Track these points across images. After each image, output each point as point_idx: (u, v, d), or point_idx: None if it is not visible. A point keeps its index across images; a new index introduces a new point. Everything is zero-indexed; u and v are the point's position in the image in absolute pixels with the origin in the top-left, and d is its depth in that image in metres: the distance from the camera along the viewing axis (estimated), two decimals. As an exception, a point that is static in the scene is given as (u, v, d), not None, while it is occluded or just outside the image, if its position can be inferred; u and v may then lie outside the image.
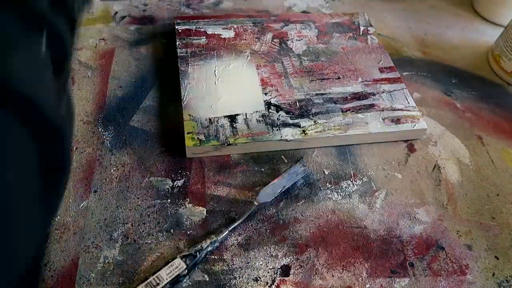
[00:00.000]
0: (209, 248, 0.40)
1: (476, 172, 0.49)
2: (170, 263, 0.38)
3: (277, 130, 0.48)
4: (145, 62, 0.56)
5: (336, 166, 0.48)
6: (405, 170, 0.48)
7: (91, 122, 0.49)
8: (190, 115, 0.48)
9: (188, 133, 0.46)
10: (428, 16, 0.71)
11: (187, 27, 0.58)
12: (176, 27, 0.58)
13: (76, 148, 0.47)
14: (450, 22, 0.71)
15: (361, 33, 0.61)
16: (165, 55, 0.57)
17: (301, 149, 0.49)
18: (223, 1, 0.67)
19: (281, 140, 0.47)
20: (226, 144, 0.46)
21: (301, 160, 0.46)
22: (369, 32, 0.62)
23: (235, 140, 0.46)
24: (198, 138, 0.46)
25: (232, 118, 0.48)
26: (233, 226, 0.41)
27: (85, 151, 0.47)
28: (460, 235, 0.44)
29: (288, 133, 0.48)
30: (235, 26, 0.59)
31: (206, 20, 0.60)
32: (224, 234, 0.40)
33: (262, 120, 0.48)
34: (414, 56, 0.63)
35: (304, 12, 0.67)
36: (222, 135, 0.47)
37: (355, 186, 0.46)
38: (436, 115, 0.55)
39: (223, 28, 0.59)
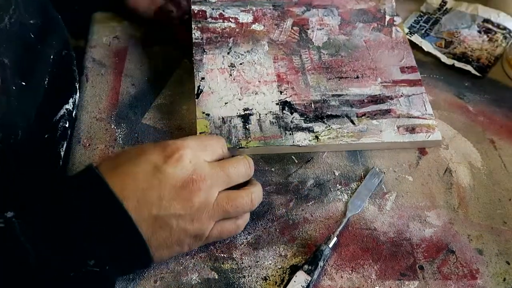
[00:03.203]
0: (327, 253, 0.40)
1: (488, 176, 0.49)
2: (294, 279, 0.38)
3: (290, 134, 0.47)
4: (158, 60, 0.57)
5: (347, 167, 0.48)
6: (416, 173, 0.48)
7: (104, 119, 0.50)
8: (203, 113, 0.48)
9: (200, 133, 0.46)
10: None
11: (203, 7, 0.56)
12: (192, 6, 0.56)
13: (89, 145, 0.47)
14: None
15: (386, 24, 0.58)
16: (177, 53, 0.58)
17: (312, 152, 0.49)
18: None
19: (293, 145, 0.47)
20: (238, 147, 0.46)
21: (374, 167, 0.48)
22: (395, 22, 0.59)
23: (247, 143, 0.46)
24: None
25: (246, 119, 0.48)
26: (336, 233, 0.42)
27: (97, 147, 0.47)
28: (471, 239, 0.43)
29: (300, 138, 0.47)
30: (254, 8, 0.57)
31: (224, 0, 0.57)
32: (333, 241, 0.41)
33: (275, 122, 0.48)
34: (425, 58, 0.62)
35: None
36: (235, 137, 0.46)
37: (365, 187, 0.46)
38: (448, 118, 0.54)
39: (241, 11, 0.57)
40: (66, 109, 0.45)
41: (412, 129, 0.49)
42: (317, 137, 0.47)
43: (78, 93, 0.48)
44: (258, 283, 0.39)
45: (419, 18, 0.67)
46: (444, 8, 0.69)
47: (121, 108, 0.51)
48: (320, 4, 0.59)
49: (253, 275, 0.39)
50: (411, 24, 0.66)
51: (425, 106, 0.51)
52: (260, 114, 0.48)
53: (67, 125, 0.45)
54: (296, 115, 0.49)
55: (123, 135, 0.49)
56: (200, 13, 0.56)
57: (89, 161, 0.46)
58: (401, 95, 0.52)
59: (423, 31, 0.65)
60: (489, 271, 0.41)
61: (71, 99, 0.46)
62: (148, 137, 0.49)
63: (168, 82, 0.54)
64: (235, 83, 0.50)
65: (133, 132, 0.49)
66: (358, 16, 0.59)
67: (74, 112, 0.46)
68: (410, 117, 0.50)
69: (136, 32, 0.60)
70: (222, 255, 0.40)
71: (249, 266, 0.40)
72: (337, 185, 0.46)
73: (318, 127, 0.48)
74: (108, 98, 0.52)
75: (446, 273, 0.41)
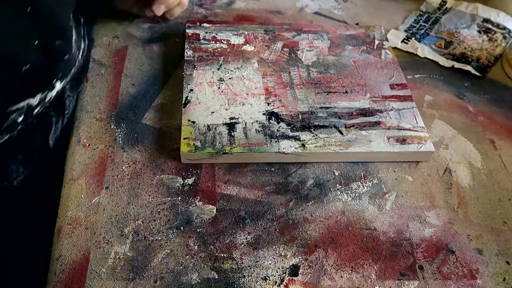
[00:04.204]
0: None
1: (488, 176, 0.49)
2: None
3: (276, 142, 0.46)
4: (158, 60, 0.57)
5: (347, 167, 0.48)
6: (416, 173, 0.48)
7: (104, 119, 0.50)
8: (189, 120, 0.48)
9: (184, 139, 0.46)
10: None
11: (197, 31, 0.58)
12: (187, 30, 0.58)
13: (89, 145, 0.47)
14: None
15: (375, 47, 0.59)
16: (177, 53, 0.58)
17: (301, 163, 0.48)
18: (235, 1, 0.68)
19: (279, 152, 0.46)
20: (221, 153, 0.45)
21: None
22: (383, 46, 0.59)
23: (231, 149, 0.46)
24: (194, 144, 0.46)
25: (231, 126, 0.47)
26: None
27: (97, 147, 0.47)
28: (471, 239, 0.43)
29: (286, 145, 0.46)
30: (246, 32, 0.59)
31: (218, 25, 0.59)
32: None
33: (261, 131, 0.47)
34: (427, 58, 0.62)
35: (316, 13, 0.67)
36: (219, 143, 0.46)
37: (365, 187, 0.46)
38: (448, 118, 0.54)
39: (234, 34, 0.58)
40: (28, 104, 0.38)
41: (402, 140, 0.48)
42: (303, 145, 0.46)
43: (55, 91, 0.41)
44: (258, 283, 0.39)
45: (419, 18, 0.67)
46: (444, 7, 0.69)
47: (121, 108, 0.51)
48: (310, 30, 0.60)
49: (253, 275, 0.39)
50: (411, 24, 0.66)
51: (416, 119, 0.50)
52: (246, 123, 0.48)
53: (18, 121, 0.38)
54: (282, 124, 0.48)
55: (123, 135, 0.49)
56: (194, 35, 0.57)
57: (89, 161, 0.46)
58: (391, 109, 0.51)
59: (422, 31, 0.65)
60: (489, 271, 0.41)
61: (39, 94, 0.39)
62: (148, 137, 0.49)
63: (168, 82, 0.55)
64: (223, 95, 0.50)
65: (133, 132, 0.49)
66: (347, 40, 0.60)
67: (38, 110, 0.38)
68: (400, 129, 0.49)
69: (136, 32, 0.60)
70: (222, 255, 0.40)
71: (249, 266, 0.40)
72: (337, 185, 0.46)
73: (305, 136, 0.47)
74: (108, 98, 0.52)
75: (446, 273, 0.41)
